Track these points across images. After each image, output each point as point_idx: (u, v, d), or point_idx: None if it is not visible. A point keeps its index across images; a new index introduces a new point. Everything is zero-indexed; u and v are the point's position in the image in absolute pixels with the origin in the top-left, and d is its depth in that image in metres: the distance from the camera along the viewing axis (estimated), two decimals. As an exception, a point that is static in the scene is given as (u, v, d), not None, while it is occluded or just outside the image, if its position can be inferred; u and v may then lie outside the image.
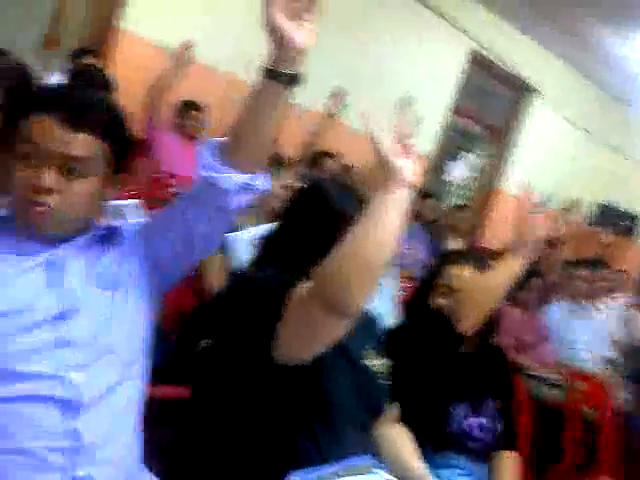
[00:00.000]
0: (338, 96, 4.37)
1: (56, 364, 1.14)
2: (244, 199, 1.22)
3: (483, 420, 1.90)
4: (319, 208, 1.50)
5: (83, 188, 1.20)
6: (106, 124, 1.23)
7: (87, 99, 1.27)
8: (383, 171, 1.24)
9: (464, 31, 5.71)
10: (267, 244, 1.55)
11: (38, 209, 1.17)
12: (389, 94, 5.13)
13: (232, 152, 1.19)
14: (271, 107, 1.17)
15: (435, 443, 1.80)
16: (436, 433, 1.81)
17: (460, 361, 1.93)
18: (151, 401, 1.31)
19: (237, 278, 1.54)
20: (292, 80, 1.16)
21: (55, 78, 3.22)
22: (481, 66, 6.09)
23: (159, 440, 1.39)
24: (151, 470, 1.31)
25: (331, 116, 4.37)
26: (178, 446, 1.45)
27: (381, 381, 1.55)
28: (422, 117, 2.78)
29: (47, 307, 1.17)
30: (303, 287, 1.29)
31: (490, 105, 6.73)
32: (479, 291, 1.89)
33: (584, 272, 4.09)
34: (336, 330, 1.26)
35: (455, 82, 5.89)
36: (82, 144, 1.19)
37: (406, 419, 1.68)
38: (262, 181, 1.22)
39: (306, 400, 1.36)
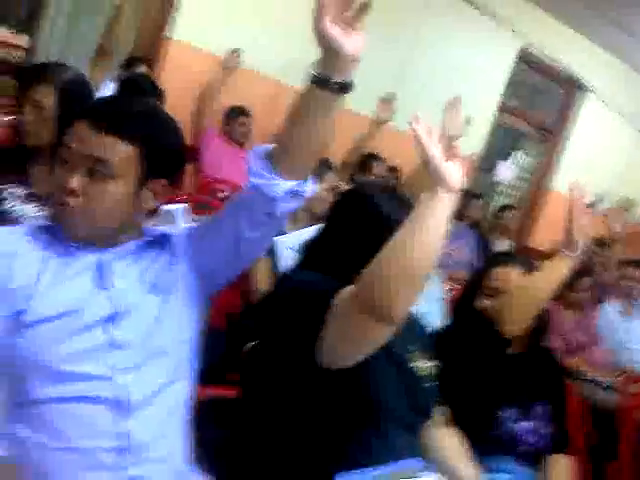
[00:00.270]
0: (387, 102, 4.31)
1: (107, 366, 1.17)
2: (292, 205, 1.23)
3: (533, 424, 1.88)
4: (361, 211, 1.50)
5: (107, 190, 1.21)
6: (138, 128, 1.23)
7: (122, 105, 1.29)
8: (429, 175, 1.22)
9: (513, 29, 5.63)
10: (311, 247, 1.55)
11: (64, 209, 1.20)
12: (438, 95, 5.12)
13: (280, 159, 1.20)
14: (321, 115, 1.17)
15: (484, 446, 1.78)
16: (485, 436, 1.80)
17: (509, 363, 1.91)
18: (201, 401, 1.34)
19: (283, 281, 1.55)
20: (342, 88, 1.16)
21: (108, 88, 3.31)
22: (530, 64, 5.99)
23: (209, 440, 1.40)
24: (202, 469, 1.33)
25: (381, 122, 4.33)
26: (228, 446, 1.47)
27: (428, 383, 1.53)
28: (471, 117, 2.78)
29: (98, 309, 1.19)
30: (347, 291, 1.28)
31: (540, 103, 6.62)
32: (525, 293, 1.87)
33: (638, 272, 3.99)
34: (379, 336, 1.25)
35: (504, 81, 5.81)
36: (108, 146, 1.20)
37: (456, 422, 1.67)
38: (309, 187, 1.23)
39: (352, 403, 1.36)
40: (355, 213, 1.51)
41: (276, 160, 1.20)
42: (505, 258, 2.04)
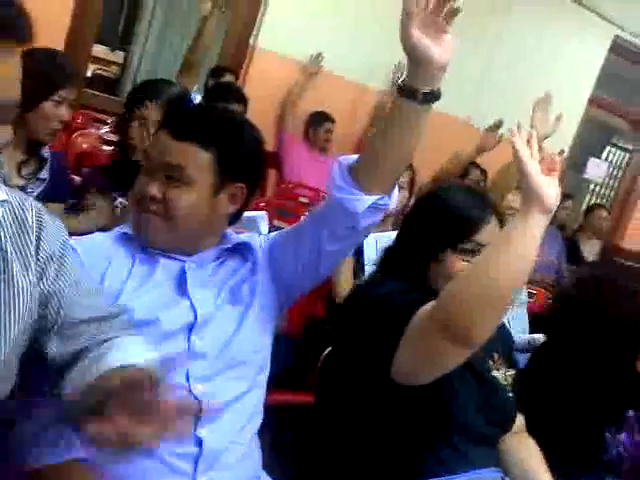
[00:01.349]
0: (493, 132, 3.72)
1: (184, 375, 1.17)
2: (374, 218, 1.22)
3: (627, 437, 1.74)
4: (434, 209, 1.45)
5: (186, 197, 1.22)
6: (212, 134, 1.25)
7: (199, 113, 1.33)
8: (523, 192, 1.16)
9: (605, 18, 5.41)
10: (389, 252, 1.51)
11: (144, 216, 1.23)
12: (527, 89, 5.00)
13: (365, 172, 1.18)
14: (408, 126, 1.15)
15: (591, 469, 1.69)
16: (592, 459, 1.70)
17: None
18: (275, 406, 1.36)
19: (362, 289, 1.49)
20: (431, 98, 1.13)
21: (196, 99, 3.45)
22: (625, 54, 5.73)
23: (282, 446, 1.44)
24: (273, 475, 1.34)
25: (481, 151, 3.78)
26: (300, 453, 1.47)
27: (508, 394, 1.46)
28: (561, 115, 2.70)
29: (179, 318, 1.21)
30: (425, 309, 1.21)
31: (635, 96, 6.33)
32: None
33: None
34: (457, 359, 1.18)
35: (596, 73, 5.59)
36: (182, 152, 1.22)
37: (554, 441, 1.56)
38: (393, 200, 1.22)
39: (429, 418, 1.32)
40: (428, 211, 1.46)
41: (360, 173, 1.18)
42: None
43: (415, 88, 1.12)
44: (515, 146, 1.16)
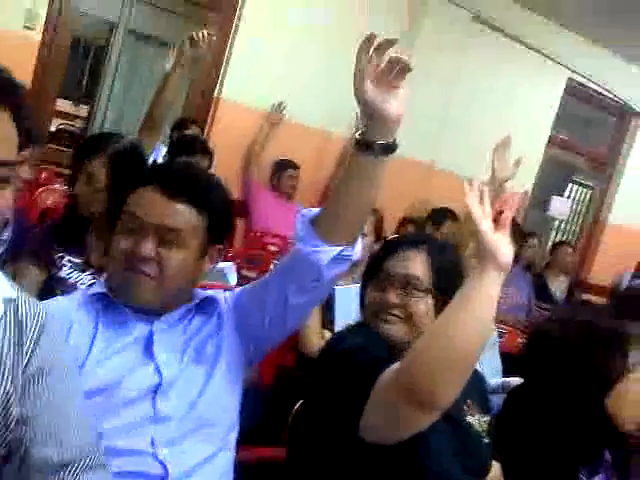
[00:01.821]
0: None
1: (149, 439, 1.15)
2: (339, 270, 1.22)
3: (605, 475, 1.74)
4: None
5: (179, 259, 1.23)
6: (203, 195, 1.26)
7: (186, 171, 1.32)
8: (481, 251, 1.16)
9: (559, 61, 5.58)
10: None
11: (137, 277, 1.21)
12: (485, 132, 5.12)
13: (327, 224, 1.19)
14: (367, 178, 1.16)
15: None
16: None
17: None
18: (247, 462, 1.34)
19: (334, 343, 1.47)
20: (387, 149, 1.14)
21: (160, 151, 3.44)
22: (579, 95, 5.91)
23: None
24: None
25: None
26: None
27: (484, 439, 1.45)
28: (521, 158, 2.75)
29: (143, 381, 1.18)
30: (390, 374, 1.19)
31: (592, 135, 6.52)
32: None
33: None
34: (424, 423, 1.17)
35: (553, 114, 5.75)
36: (179, 215, 1.23)
37: None
38: (357, 250, 1.22)
39: (401, 471, 1.29)
40: None
41: (322, 225, 1.19)
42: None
43: (371, 141, 1.13)
44: (468, 205, 1.16)
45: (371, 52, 1.07)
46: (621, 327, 1.77)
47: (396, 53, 1.07)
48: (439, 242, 1.62)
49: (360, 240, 1.26)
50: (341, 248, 1.20)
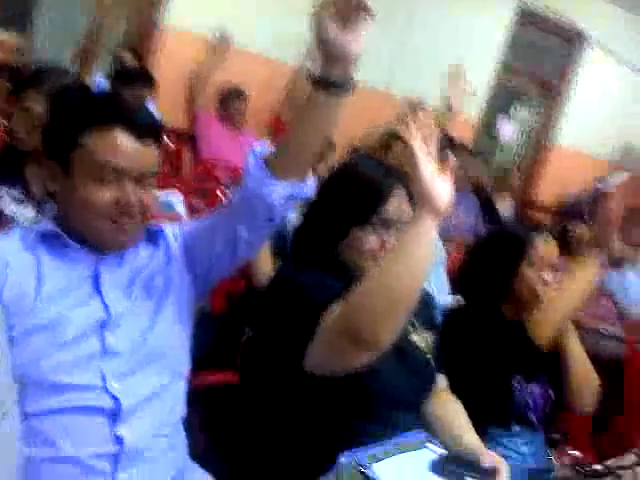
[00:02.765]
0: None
1: (99, 374, 1.15)
2: (289, 207, 1.22)
3: (536, 387, 1.84)
4: (342, 191, 1.44)
5: (155, 198, 1.23)
6: (159, 130, 1.24)
7: (144, 111, 1.27)
8: (415, 195, 1.18)
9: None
10: (299, 233, 1.51)
11: (129, 227, 1.19)
12: (439, 60, 5.09)
13: (281, 161, 1.17)
14: (324, 116, 1.15)
15: (502, 417, 1.78)
16: (501, 408, 1.78)
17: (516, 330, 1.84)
18: (200, 388, 1.35)
19: (282, 277, 1.47)
20: (344, 88, 1.12)
21: (100, 82, 3.33)
22: (530, 20, 5.89)
23: (210, 425, 1.42)
24: (202, 456, 1.34)
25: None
26: (228, 432, 1.46)
27: (428, 355, 1.49)
28: (475, 90, 2.75)
29: (89, 318, 1.17)
30: (332, 313, 1.21)
31: (541, 59, 6.52)
32: (560, 304, 1.80)
33: None
34: (362, 360, 1.20)
35: (504, 39, 5.74)
36: (153, 157, 1.21)
37: (468, 396, 1.60)
38: (308, 188, 1.22)
39: (348, 394, 1.32)
40: (332, 190, 1.45)
41: (276, 163, 1.17)
42: (543, 229, 1.95)
43: (329, 80, 1.11)
44: (413, 149, 1.15)
45: None
46: (523, 232, 1.88)
47: None
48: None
49: (310, 181, 1.24)
50: (294, 186, 1.19)
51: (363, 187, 1.41)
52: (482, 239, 2.16)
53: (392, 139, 4.03)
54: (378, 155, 3.94)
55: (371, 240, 1.40)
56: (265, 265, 2.38)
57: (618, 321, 3.39)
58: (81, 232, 1.20)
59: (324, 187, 1.47)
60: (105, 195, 1.16)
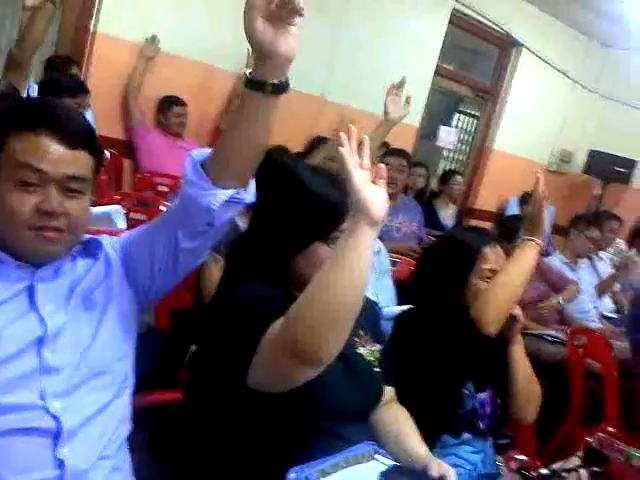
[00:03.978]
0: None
1: (38, 393, 1.10)
2: (232, 212, 1.20)
3: (485, 395, 1.85)
4: (300, 204, 1.40)
5: (85, 207, 1.19)
6: (90, 135, 1.21)
7: (69, 112, 1.24)
8: (353, 206, 1.15)
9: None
10: (242, 245, 1.47)
11: (50, 235, 1.14)
12: (373, 63, 5.14)
13: (218, 166, 1.15)
14: (259, 118, 1.13)
15: (452, 426, 1.78)
16: (451, 416, 1.79)
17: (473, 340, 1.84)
18: (145, 407, 1.32)
19: (228, 289, 1.42)
20: (279, 88, 1.11)
21: (34, 88, 3.21)
22: (464, 25, 6.00)
23: (154, 445, 1.39)
24: (147, 475, 1.30)
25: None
26: (173, 450, 1.43)
27: (376, 368, 1.48)
28: (410, 97, 2.76)
29: (25, 334, 1.12)
30: (274, 328, 1.18)
31: (476, 65, 6.67)
32: (503, 290, 1.81)
33: (595, 233, 4.05)
34: (306, 376, 1.18)
35: (439, 44, 5.82)
36: (80, 161, 1.17)
37: (417, 404, 1.60)
38: (249, 193, 1.19)
39: (294, 410, 1.30)
40: (288, 201, 1.41)
41: (213, 168, 1.15)
42: (490, 237, 1.97)
43: (263, 80, 1.10)
44: (343, 158, 1.13)
45: None
46: (472, 242, 1.90)
47: None
48: None
49: (253, 182, 1.22)
50: (233, 191, 1.16)
51: (324, 208, 1.38)
52: (431, 247, 2.16)
53: (321, 142, 4.11)
54: (308, 157, 4.00)
55: (329, 253, 1.37)
56: (215, 278, 2.31)
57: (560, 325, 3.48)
58: (11, 244, 1.16)
59: (274, 198, 1.43)
60: (27, 202, 1.13)
